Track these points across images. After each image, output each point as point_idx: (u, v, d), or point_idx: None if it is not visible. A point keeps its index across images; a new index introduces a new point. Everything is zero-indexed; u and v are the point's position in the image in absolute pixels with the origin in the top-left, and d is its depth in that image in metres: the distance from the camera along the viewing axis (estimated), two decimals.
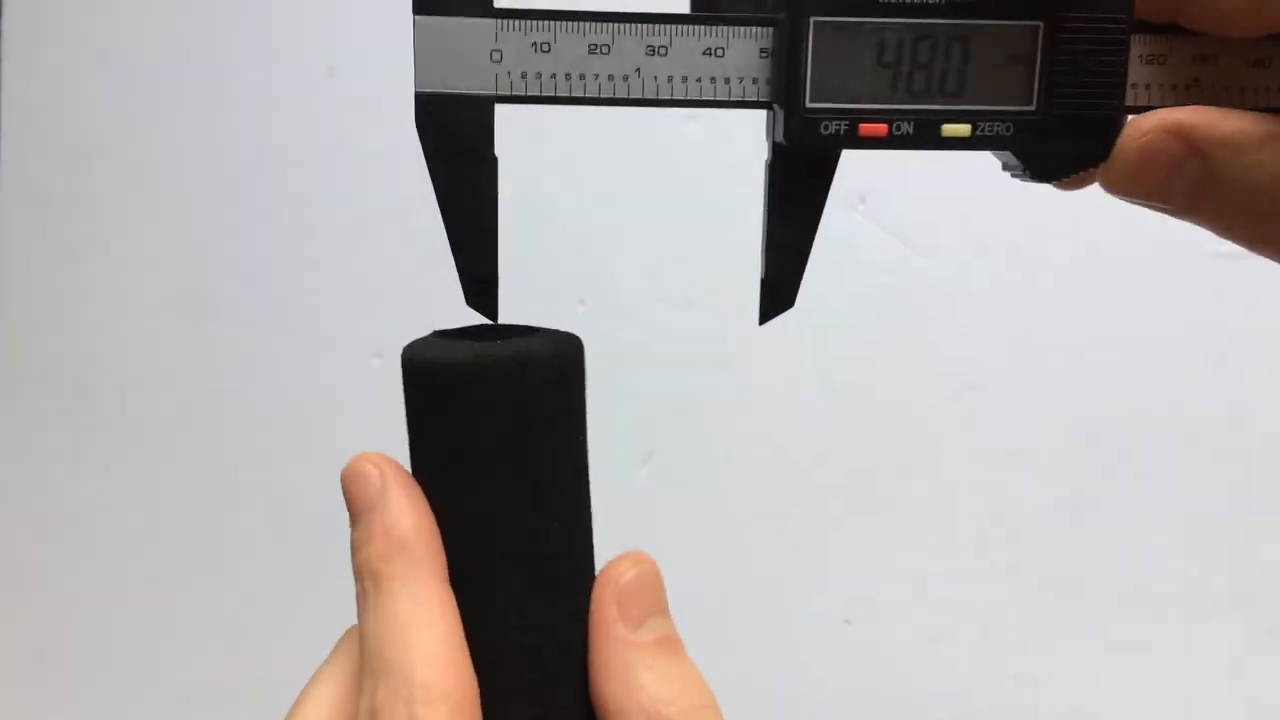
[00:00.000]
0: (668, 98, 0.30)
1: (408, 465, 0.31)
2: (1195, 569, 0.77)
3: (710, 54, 0.30)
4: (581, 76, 0.30)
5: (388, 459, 0.30)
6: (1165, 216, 0.30)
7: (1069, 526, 0.78)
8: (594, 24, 0.30)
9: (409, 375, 0.30)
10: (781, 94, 0.30)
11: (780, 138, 0.30)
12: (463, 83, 0.30)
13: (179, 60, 0.88)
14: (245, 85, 0.87)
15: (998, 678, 0.79)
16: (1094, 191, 0.31)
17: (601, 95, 0.30)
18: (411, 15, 0.29)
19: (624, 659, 0.29)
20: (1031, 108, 0.30)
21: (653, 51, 0.30)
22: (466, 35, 0.30)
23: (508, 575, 0.29)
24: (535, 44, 0.30)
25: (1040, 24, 0.30)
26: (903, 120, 0.30)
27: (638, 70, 0.30)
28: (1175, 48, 0.30)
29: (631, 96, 0.30)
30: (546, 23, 0.30)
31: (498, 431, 0.29)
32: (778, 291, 0.32)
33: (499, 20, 0.30)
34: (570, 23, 0.30)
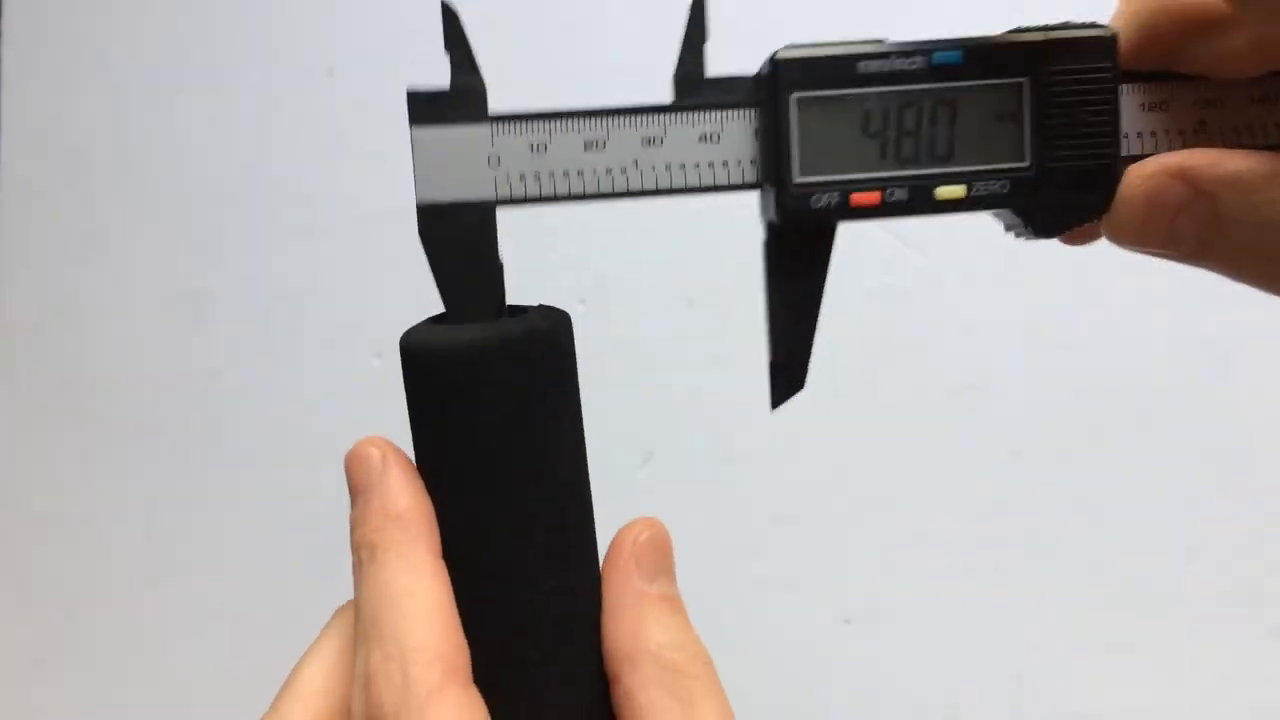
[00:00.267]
0: (666, 187, 0.30)
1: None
2: (1197, 569, 0.77)
3: (706, 140, 0.30)
4: (580, 172, 0.30)
5: (390, 443, 0.31)
6: None
7: (1070, 526, 0.78)
8: (589, 120, 0.30)
9: (417, 363, 0.30)
10: (771, 172, 0.30)
11: (773, 216, 0.30)
12: (464, 190, 0.30)
13: (179, 60, 0.88)
14: (245, 85, 0.87)
15: (998, 678, 0.79)
16: None
17: (601, 190, 0.30)
18: (409, 128, 0.30)
19: (637, 608, 0.30)
20: (1026, 164, 0.30)
21: (649, 142, 0.30)
22: (464, 142, 0.30)
23: (517, 548, 0.30)
24: (532, 145, 0.30)
25: (1025, 80, 0.29)
26: (895, 187, 0.30)
27: (635, 161, 0.30)
28: (1176, 93, 0.30)
29: (631, 189, 0.30)
30: (542, 123, 0.30)
31: (510, 407, 0.29)
32: (787, 375, 0.32)
33: (495, 124, 0.30)
34: (565, 120, 0.30)
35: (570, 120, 0.30)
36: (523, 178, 0.30)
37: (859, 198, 0.30)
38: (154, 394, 0.88)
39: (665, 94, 0.31)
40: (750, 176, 0.30)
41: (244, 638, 0.88)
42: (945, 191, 0.30)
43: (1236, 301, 0.73)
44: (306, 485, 0.86)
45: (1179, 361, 0.76)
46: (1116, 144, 0.30)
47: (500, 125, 0.30)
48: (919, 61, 0.29)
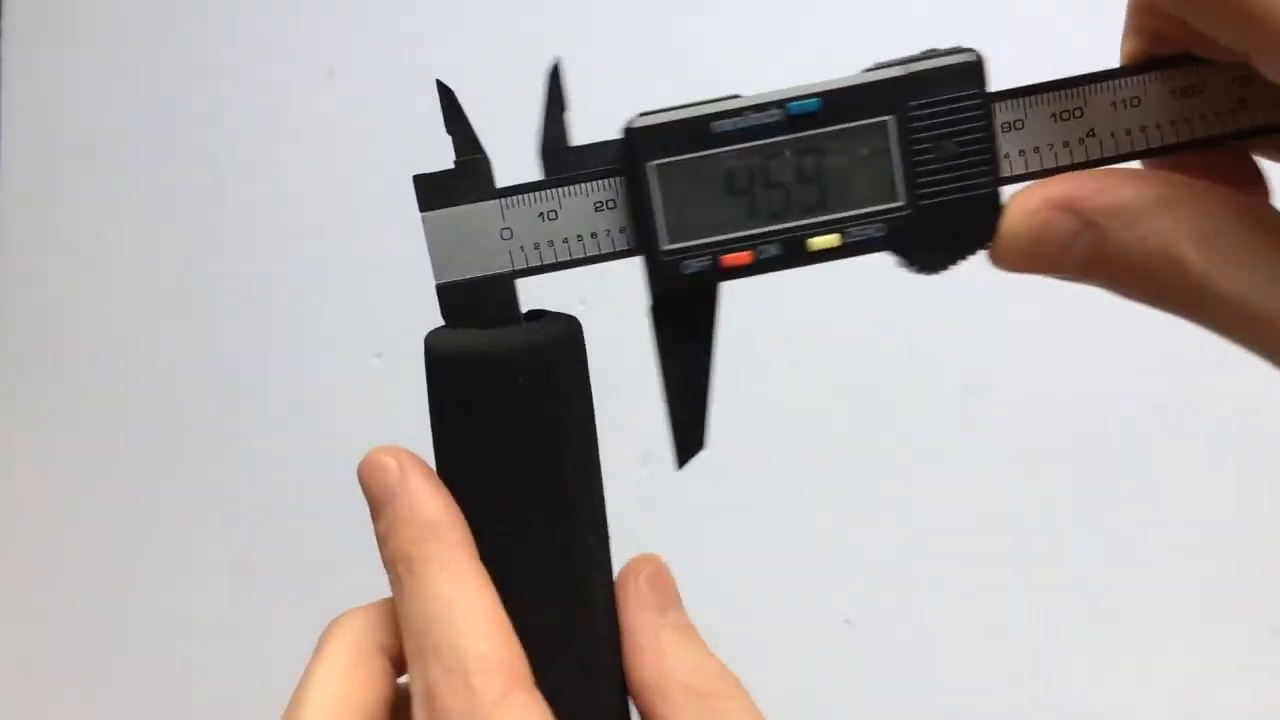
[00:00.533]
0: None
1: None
2: (1198, 569, 0.77)
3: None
4: (594, 234, 0.30)
5: (403, 450, 0.31)
6: None
7: (1070, 526, 0.78)
8: (601, 181, 0.30)
9: (446, 366, 0.31)
10: (639, 242, 0.30)
11: (647, 284, 0.30)
12: (480, 266, 0.31)
13: (179, 60, 0.88)
14: (245, 85, 0.87)
15: (997, 678, 0.79)
16: None
17: (616, 249, 0.30)
18: (419, 214, 0.30)
19: (657, 640, 0.30)
20: (901, 203, 0.29)
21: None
22: (475, 220, 0.30)
23: (542, 544, 0.30)
24: (542, 214, 0.30)
25: (889, 118, 0.29)
26: (766, 243, 0.29)
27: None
28: (1207, 76, 0.28)
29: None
30: (550, 191, 0.30)
31: (531, 410, 0.30)
32: (687, 436, 0.31)
33: (503, 199, 0.30)
34: (574, 185, 0.30)
35: (579, 184, 0.30)
36: (537, 246, 0.30)
37: (730, 259, 0.29)
38: (154, 394, 0.88)
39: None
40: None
41: (244, 637, 0.88)
42: (818, 242, 0.29)
43: None
44: (307, 485, 0.86)
45: (1179, 361, 0.76)
46: (995, 171, 0.29)
47: (509, 199, 0.30)
48: (776, 114, 0.29)
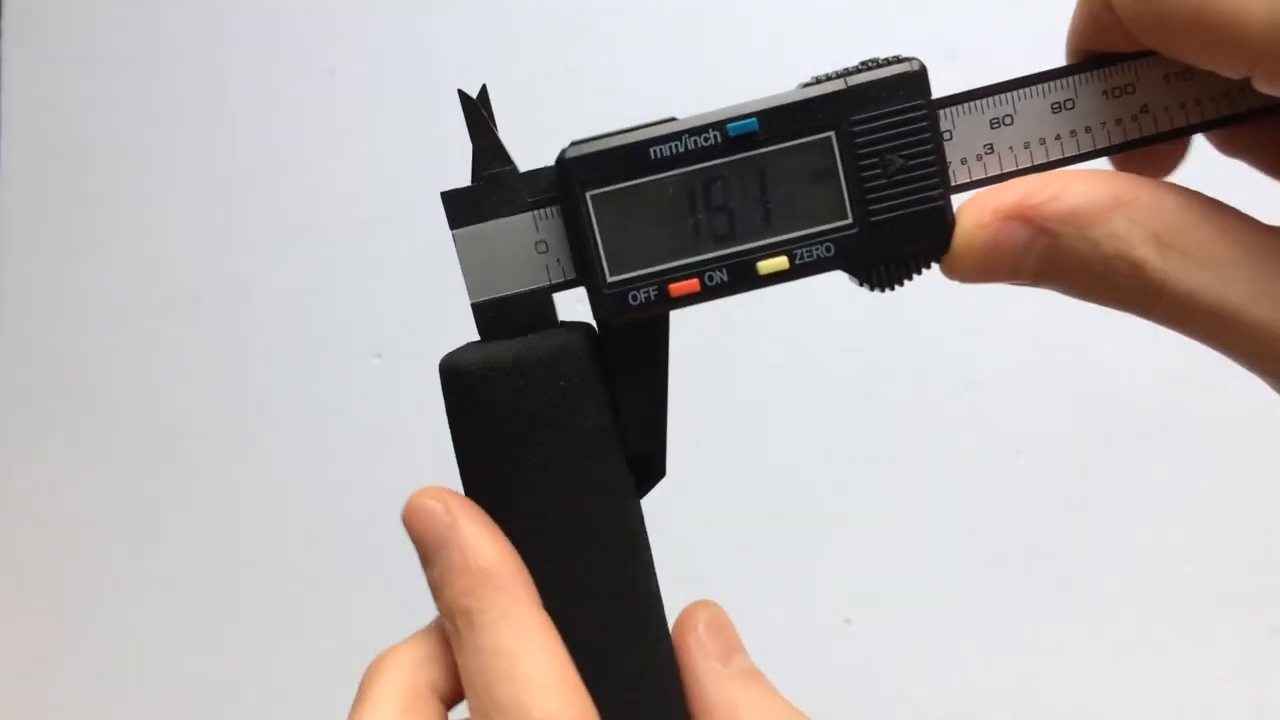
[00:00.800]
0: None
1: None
2: (1198, 569, 0.77)
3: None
4: None
5: (448, 490, 0.29)
6: None
7: (1070, 526, 0.78)
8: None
9: (466, 382, 0.29)
10: (582, 275, 0.29)
11: (594, 316, 0.29)
12: (515, 282, 0.29)
13: (179, 60, 0.88)
14: (245, 85, 0.87)
15: (998, 677, 0.79)
16: None
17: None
18: (450, 231, 0.29)
19: (723, 693, 0.29)
20: (848, 221, 0.28)
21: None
22: (507, 235, 0.29)
23: (600, 562, 0.29)
24: None
25: (831, 134, 0.28)
26: (714, 269, 0.28)
27: None
28: (1141, 71, 0.28)
29: None
30: None
31: (578, 413, 0.29)
32: (647, 465, 0.31)
33: (536, 212, 0.29)
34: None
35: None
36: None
37: (678, 287, 0.28)
38: (154, 394, 0.88)
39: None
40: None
41: (243, 637, 0.88)
42: (768, 265, 0.28)
43: None
44: (307, 484, 0.86)
45: (1179, 361, 0.76)
46: (944, 182, 0.28)
47: (542, 210, 0.29)
48: (714, 136, 0.28)
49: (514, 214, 0.29)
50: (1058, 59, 0.29)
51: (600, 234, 0.28)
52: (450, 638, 0.28)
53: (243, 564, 0.87)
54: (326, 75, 0.85)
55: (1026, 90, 0.28)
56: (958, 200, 0.28)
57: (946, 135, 0.28)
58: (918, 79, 0.27)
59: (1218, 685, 0.78)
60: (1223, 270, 0.25)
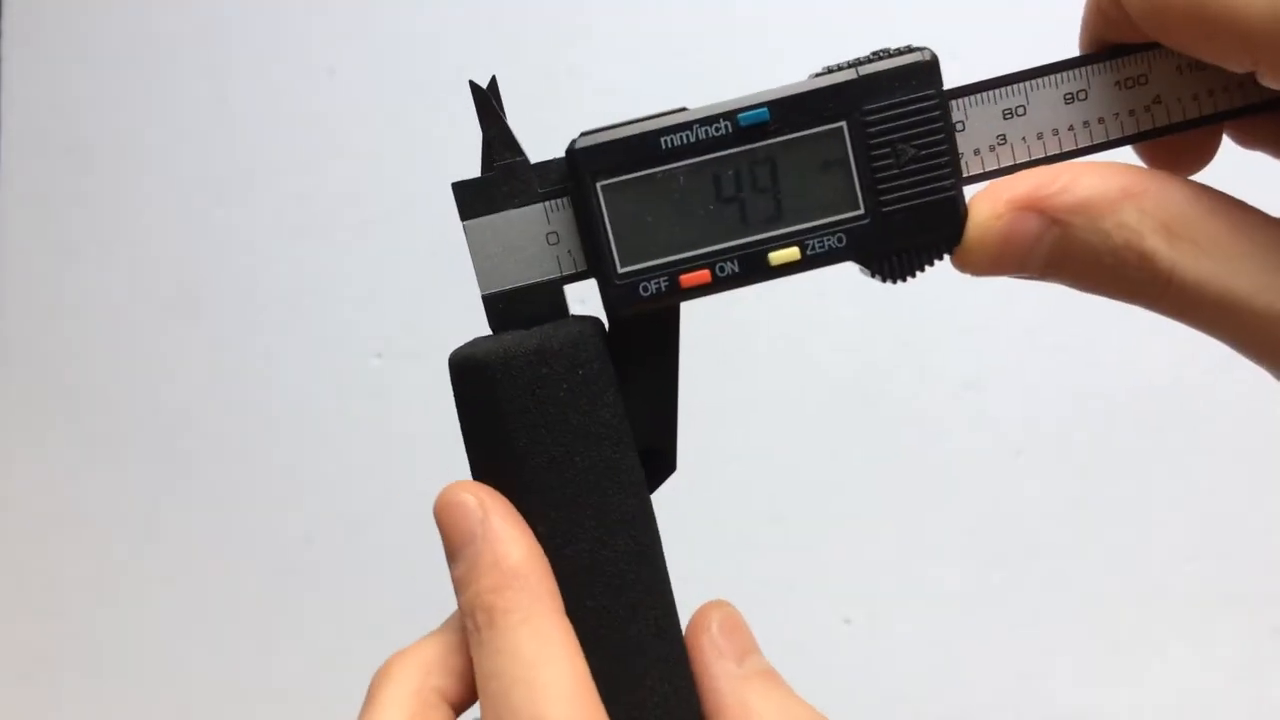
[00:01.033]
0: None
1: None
2: (1198, 569, 0.77)
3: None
4: None
5: (483, 486, 0.29)
6: None
7: (1070, 526, 0.78)
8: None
9: (485, 373, 0.29)
10: (593, 266, 0.29)
11: (605, 309, 0.29)
12: (526, 274, 0.29)
13: (179, 60, 0.88)
14: (245, 85, 0.87)
15: (998, 677, 0.79)
16: None
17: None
18: (461, 222, 0.29)
19: (737, 694, 0.29)
20: (860, 211, 0.28)
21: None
22: (518, 226, 0.29)
23: (624, 556, 0.29)
24: None
25: (843, 124, 0.28)
26: (725, 260, 0.28)
27: None
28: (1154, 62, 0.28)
29: None
30: None
31: (598, 402, 0.29)
32: (657, 460, 0.30)
33: (547, 203, 0.29)
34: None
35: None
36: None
37: (689, 278, 0.28)
38: (154, 394, 0.88)
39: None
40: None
41: (243, 637, 0.88)
42: (779, 256, 0.28)
43: None
44: (307, 484, 0.86)
45: (1179, 361, 0.76)
46: (956, 171, 0.28)
47: (554, 201, 0.29)
48: (725, 126, 0.28)
49: (525, 205, 0.29)
50: (1059, 57, 0.29)
51: (610, 224, 0.28)
52: (469, 635, 0.28)
53: (242, 564, 0.87)
54: (326, 75, 0.85)
55: (1039, 81, 0.28)
56: (969, 192, 0.28)
57: (959, 126, 0.28)
58: (930, 69, 0.27)
59: (1218, 685, 0.78)
60: (1230, 261, 0.25)
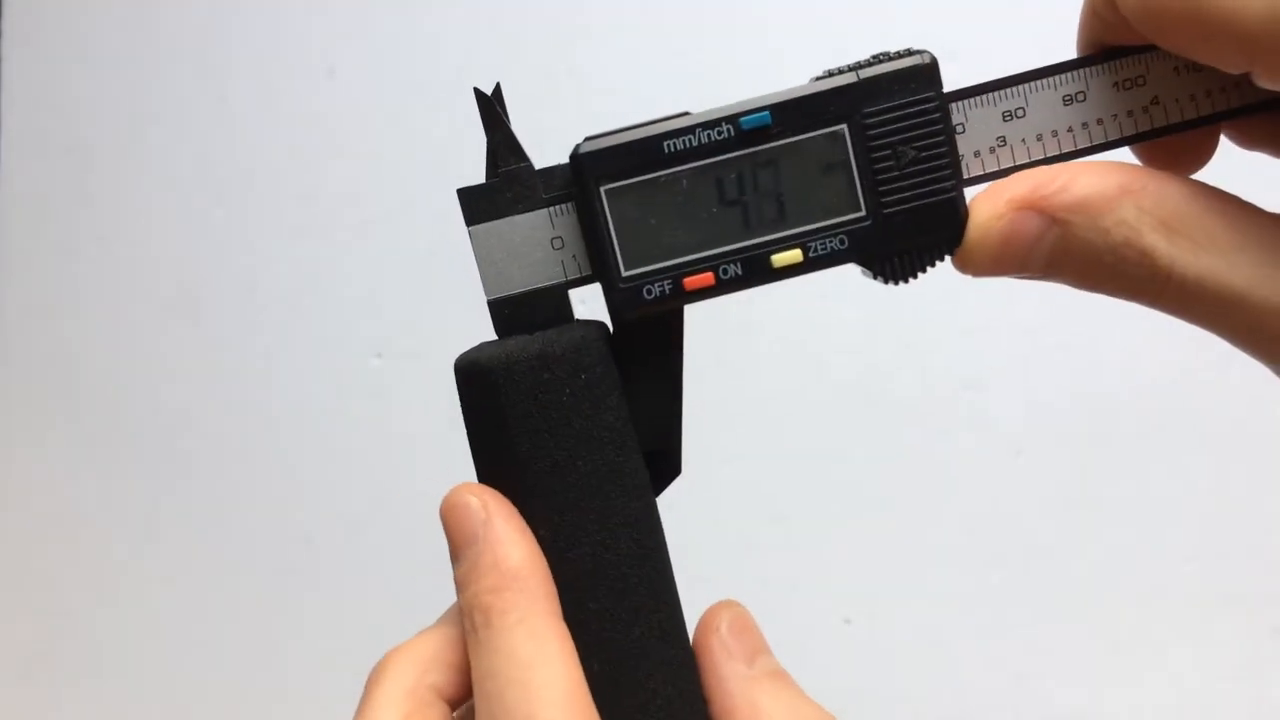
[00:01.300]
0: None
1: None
2: (1198, 569, 0.77)
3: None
4: None
5: (488, 489, 0.29)
6: None
7: (1070, 526, 0.78)
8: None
9: (489, 378, 0.29)
10: (597, 270, 0.29)
11: (609, 312, 0.29)
12: (532, 278, 0.30)
13: (179, 60, 0.88)
14: (245, 85, 0.87)
15: (998, 677, 0.79)
16: None
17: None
18: (466, 228, 0.29)
19: (747, 695, 0.29)
20: (862, 213, 0.28)
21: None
22: (523, 231, 0.29)
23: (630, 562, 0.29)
24: None
25: (844, 126, 0.28)
26: (728, 262, 0.28)
27: None
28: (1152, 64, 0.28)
29: None
30: None
31: (602, 405, 0.29)
32: (661, 463, 0.31)
33: (551, 208, 0.29)
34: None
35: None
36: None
37: (692, 280, 0.29)
38: (154, 394, 0.88)
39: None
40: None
41: (243, 637, 0.88)
42: (781, 258, 0.28)
43: None
44: (307, 484, 0.86)
45: (1179, 361, 0.76)
46: (957, 173, 0.28)
47: (558, 206, 0.29)
48: (727, 130, 0.28)
49: (530, 210, 0.29)
50: (1058, 59, 0.29)
51: (614, 228, 0.29)
52: (467, 635, 0.28)
53: (243, 564, 0.87)
54: (326, 75, 0.85)
55: (1038, 83, 0.28)
56: (970, 194, 0.29)
57: (959, 128, 0.28)
58: (929, 71, 0.28)
59: (1218, 685, 0.78)
60: (1228, 256, 0.25)
